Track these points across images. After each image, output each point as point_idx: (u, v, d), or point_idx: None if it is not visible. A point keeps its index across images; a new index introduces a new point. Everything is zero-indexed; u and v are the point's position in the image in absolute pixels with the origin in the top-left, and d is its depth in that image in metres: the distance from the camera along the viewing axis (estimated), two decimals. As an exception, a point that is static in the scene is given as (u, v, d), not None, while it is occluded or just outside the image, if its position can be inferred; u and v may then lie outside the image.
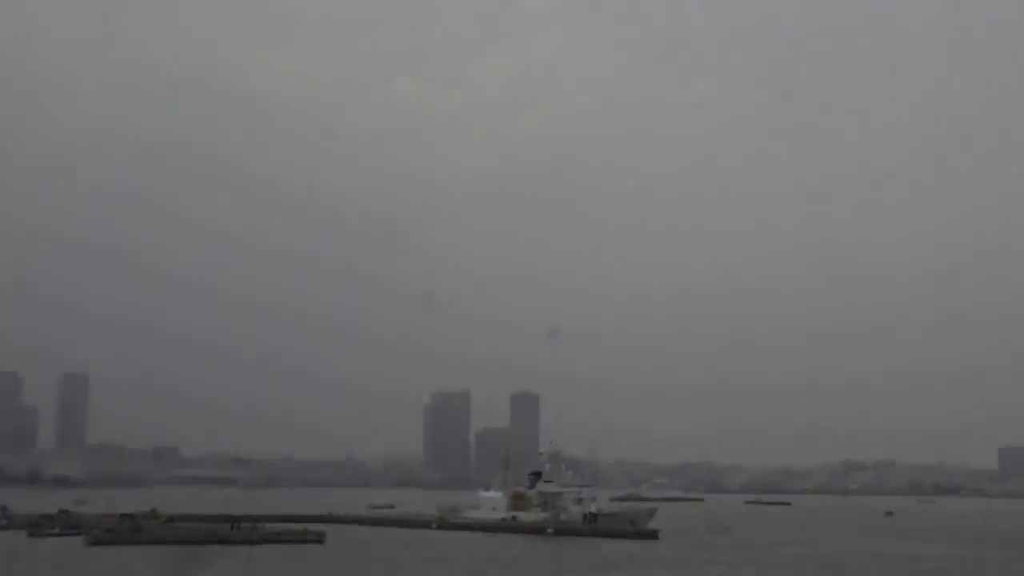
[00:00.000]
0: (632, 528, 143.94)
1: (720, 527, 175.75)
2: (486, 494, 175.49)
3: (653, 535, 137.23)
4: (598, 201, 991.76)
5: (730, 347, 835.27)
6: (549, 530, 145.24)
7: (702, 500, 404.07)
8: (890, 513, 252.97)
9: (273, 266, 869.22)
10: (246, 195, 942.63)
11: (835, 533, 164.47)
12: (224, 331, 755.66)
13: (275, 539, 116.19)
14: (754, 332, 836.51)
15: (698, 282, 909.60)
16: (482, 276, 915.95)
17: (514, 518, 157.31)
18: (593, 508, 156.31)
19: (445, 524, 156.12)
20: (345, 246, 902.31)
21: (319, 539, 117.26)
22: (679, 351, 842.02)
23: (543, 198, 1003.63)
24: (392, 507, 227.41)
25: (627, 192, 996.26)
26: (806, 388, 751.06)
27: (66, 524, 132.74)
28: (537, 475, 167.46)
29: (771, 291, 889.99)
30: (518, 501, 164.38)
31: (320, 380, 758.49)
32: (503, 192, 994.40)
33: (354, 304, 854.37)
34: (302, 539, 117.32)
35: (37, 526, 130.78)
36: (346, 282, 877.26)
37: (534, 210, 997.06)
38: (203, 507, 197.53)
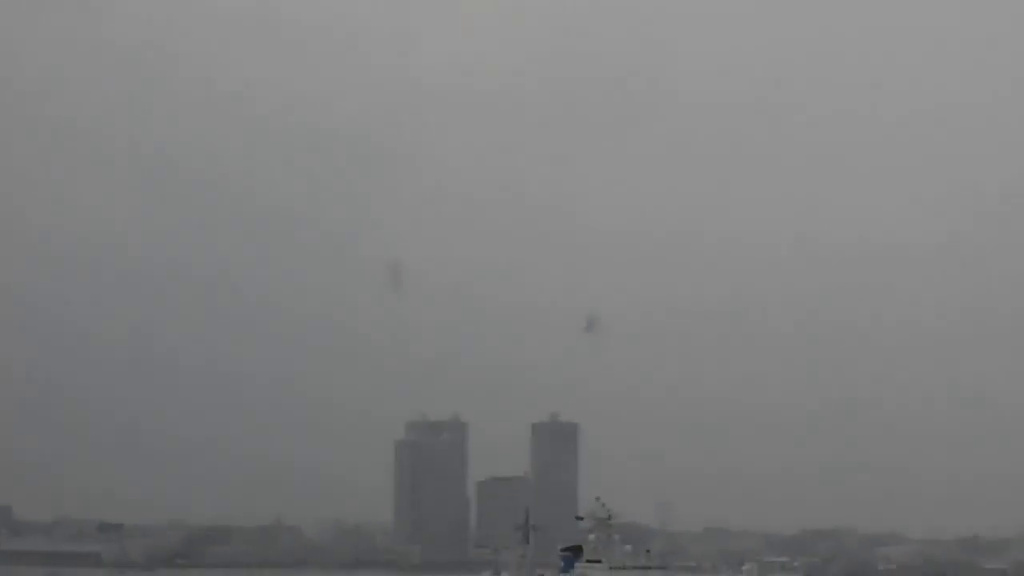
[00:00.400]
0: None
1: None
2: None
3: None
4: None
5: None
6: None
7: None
8: None
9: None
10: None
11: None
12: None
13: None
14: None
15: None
16: (482, 233, 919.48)
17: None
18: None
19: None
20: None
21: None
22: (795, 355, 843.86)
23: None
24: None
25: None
26: (996, 410, 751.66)
27: None
28: (576, 551, 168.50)
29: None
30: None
31: (228, 392, 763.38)
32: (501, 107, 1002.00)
33: (276, 277, 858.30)
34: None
35: None
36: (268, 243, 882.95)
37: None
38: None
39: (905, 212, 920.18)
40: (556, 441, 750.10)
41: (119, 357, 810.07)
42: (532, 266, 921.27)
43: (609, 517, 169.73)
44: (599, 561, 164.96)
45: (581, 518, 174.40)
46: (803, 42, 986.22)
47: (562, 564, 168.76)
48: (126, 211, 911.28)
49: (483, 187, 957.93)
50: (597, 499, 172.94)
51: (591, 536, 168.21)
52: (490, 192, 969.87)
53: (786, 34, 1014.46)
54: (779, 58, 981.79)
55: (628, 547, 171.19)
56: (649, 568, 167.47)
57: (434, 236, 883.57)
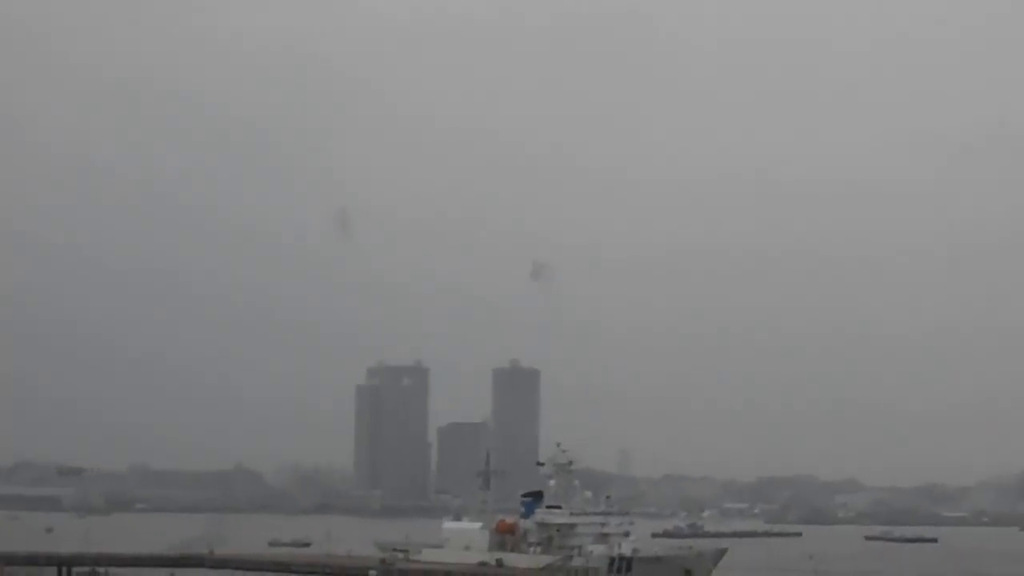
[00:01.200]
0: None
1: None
2: (455, 525, 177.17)
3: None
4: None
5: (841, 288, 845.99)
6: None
7: (798, 535, 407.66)
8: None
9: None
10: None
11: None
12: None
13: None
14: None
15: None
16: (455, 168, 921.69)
17: (500, 563, 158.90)
18: (626, 549, 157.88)
19: (391, 572, 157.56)
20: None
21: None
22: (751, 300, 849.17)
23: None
24: (308, 544, 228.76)
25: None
26: (958, 358, 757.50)
27: None
28: (537, 496, 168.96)
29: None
30: (507, 537, 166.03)
31: (192, 346, 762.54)
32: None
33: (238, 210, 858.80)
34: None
35: None
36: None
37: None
38: (10, 542, 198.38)
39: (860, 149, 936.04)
40: (517, 387, 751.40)
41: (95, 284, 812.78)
42: (495, 200, 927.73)
43: (569, 463, 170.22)
44: (559, 507, 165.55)
45: (542, 464, 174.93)
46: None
47: (523, 509, 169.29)
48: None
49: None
50: (558, 445, 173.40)
51: (551, 482, 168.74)
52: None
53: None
54: None
55: (588, 493, 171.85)
56: (609, 514, 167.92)
57: (398, 171, 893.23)
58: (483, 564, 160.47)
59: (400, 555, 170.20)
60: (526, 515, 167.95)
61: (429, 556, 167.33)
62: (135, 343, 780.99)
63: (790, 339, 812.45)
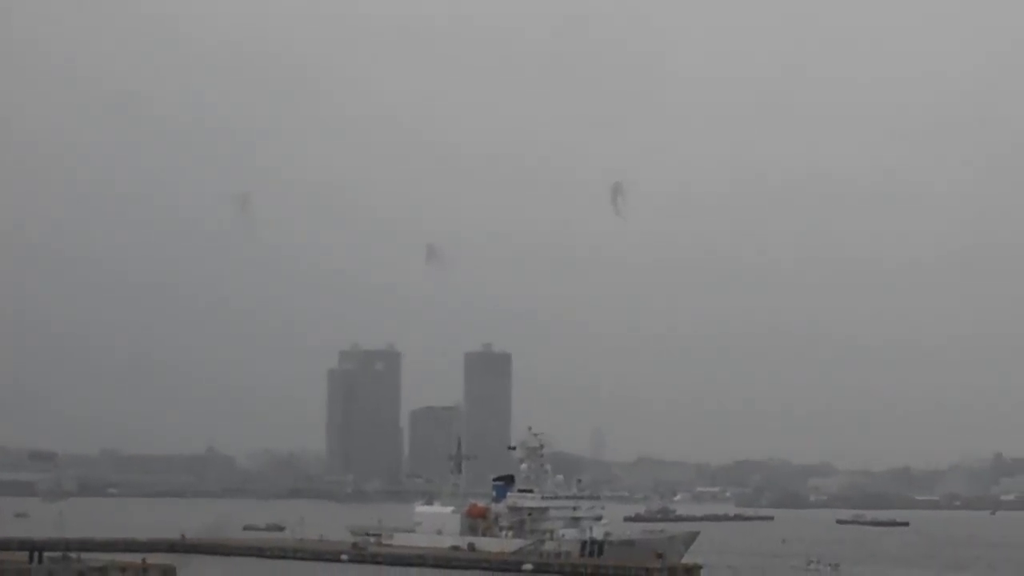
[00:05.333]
0: (660, 563, 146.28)
1: (814, 564, 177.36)
2: (427, 509, 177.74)
3: (693, 574, 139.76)
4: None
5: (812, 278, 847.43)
6: (527, 565, 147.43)
7: (770, 519, 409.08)
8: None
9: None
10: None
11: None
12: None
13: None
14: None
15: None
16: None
17: (472, 547, 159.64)
18: (598, 533, 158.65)
19: (363, 556, 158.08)
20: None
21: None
22: (728, 286, 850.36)
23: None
24: (281, 528, 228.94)
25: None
26: (931, 344, 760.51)
27: None
28: (509, 480, 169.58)
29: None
30: (478, 520, 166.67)
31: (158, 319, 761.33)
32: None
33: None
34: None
35: None
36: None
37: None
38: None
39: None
40: (489, 371, 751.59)
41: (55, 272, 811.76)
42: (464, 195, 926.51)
43: (541, 447, 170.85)
44: (531, 491, 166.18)
45: (513, 448, 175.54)
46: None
47: (494, 493, 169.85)
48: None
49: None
50: (529, 429, 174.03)
51: (523, 466, 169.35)
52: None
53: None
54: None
55: (560, 477, 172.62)
56: (581, 498, 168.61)
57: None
58: (455, 548, 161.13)
59: (372, 539, 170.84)
60: (498, 499, 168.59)
61: (401, 540, 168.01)
62: (105, 330, 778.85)
63: (761, 332, 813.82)
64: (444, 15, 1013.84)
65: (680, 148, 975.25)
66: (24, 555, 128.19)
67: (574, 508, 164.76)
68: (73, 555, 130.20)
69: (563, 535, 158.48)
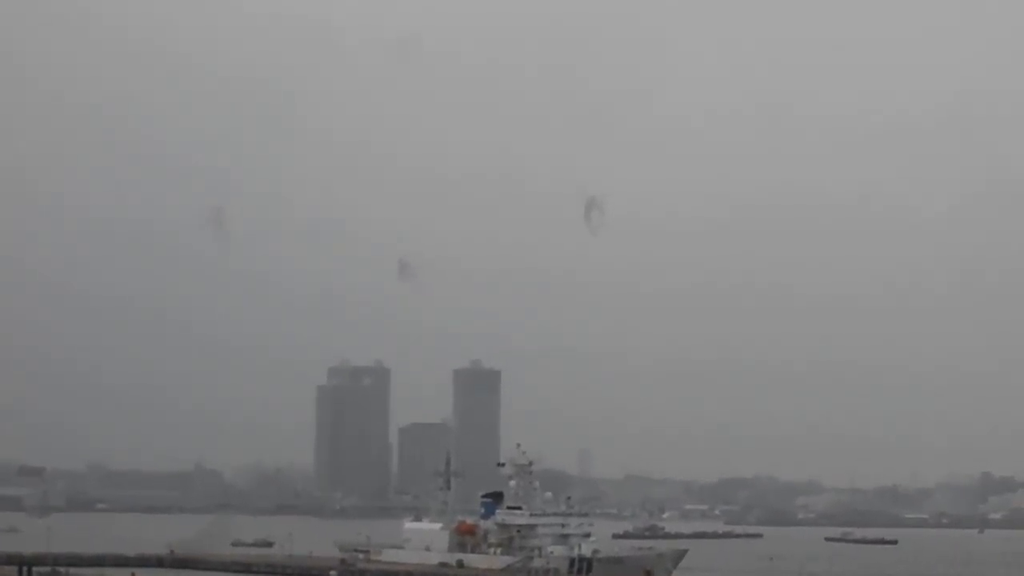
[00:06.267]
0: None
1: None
2: (416, 526, 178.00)
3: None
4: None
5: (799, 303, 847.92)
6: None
7: (759, 536, 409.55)
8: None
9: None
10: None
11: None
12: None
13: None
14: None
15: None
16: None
17: (460, 563, 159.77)
18: (586, 550, 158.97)
19: (351, 572, 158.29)
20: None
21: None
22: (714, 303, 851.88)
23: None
24: (270, 544, 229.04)
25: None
26: (923, 368, 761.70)
27: None
28: (497, 497, 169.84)
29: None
30: (467, 537, 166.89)
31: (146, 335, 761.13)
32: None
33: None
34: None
35: None
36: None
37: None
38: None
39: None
40: (478, 387, 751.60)
41: (37, 297, 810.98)
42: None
43: (530, 464, 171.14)
44: (520, 508, 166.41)
45: (502, 464, 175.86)
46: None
47: (483, 510, 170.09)
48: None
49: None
50: (518, 446, 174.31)
51: (512, 483, 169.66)
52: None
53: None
54: None
55: (549, 494, 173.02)
56: (569, 515, 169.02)
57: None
58: (443, 565, 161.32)
59: (361, 556, 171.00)
60: (486, 516, 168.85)
61: (390, 557, 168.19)
62: (93, 348, 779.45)
63: (748, 353, 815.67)
64: (427, 39, 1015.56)
65: (665, 172, 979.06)
66: (13, 569, 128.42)
67: (562, 525, 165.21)
68: (62, 570, 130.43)
69: (551, 552, 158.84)
